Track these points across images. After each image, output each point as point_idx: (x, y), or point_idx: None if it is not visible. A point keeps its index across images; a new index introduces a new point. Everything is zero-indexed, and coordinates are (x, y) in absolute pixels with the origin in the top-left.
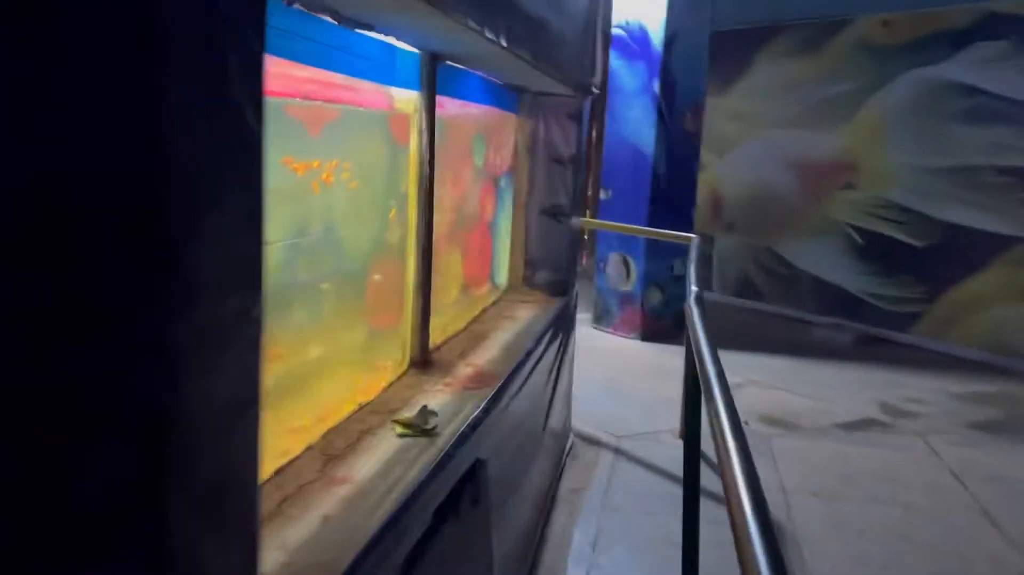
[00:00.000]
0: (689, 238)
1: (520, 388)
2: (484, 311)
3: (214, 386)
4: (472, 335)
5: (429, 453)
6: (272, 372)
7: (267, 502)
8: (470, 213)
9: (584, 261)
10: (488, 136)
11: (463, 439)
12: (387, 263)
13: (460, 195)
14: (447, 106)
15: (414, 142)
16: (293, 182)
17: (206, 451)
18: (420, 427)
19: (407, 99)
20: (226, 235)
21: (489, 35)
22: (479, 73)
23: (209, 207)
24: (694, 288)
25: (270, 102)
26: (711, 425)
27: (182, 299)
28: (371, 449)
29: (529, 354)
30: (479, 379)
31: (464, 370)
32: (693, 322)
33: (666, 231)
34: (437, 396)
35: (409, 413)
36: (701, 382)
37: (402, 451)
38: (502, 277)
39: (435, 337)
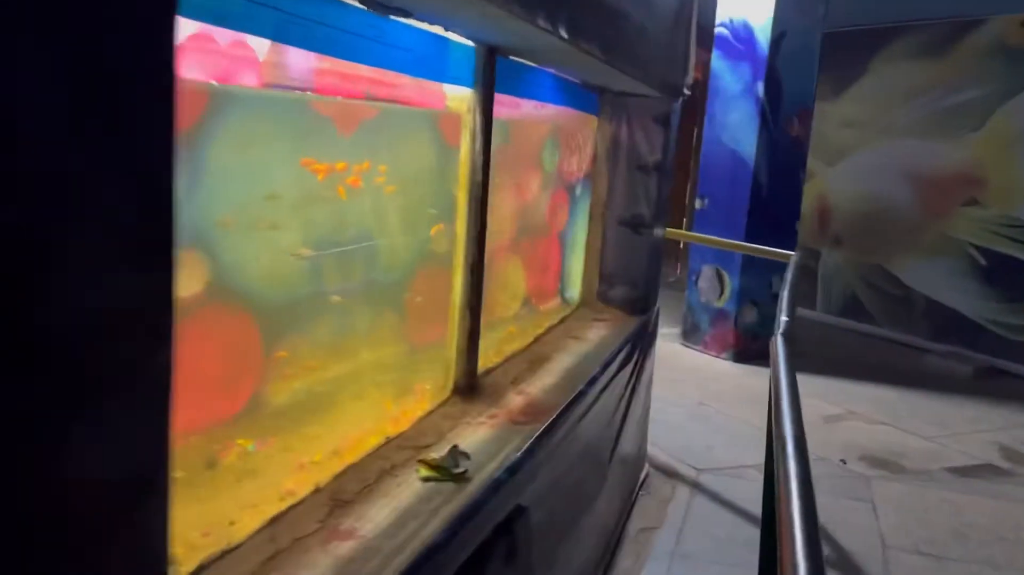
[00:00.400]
0: (787, 255)
1: (580, 419)
2: (549, 329)
3: (83, 471)
4: (532, 357)
5: (455, 503)
6: (285, 393)
7: (253, 559)
8: (536, 222)
9: (678, 272)
10: (561, 139)
11: (498, 486)
12: (430, 277)
13: (524, 202)
14: (512, 106)
15: (466, 144)
16: (311, 186)
17: (68, 562)
18: (448, 471)
19: (462, 97)
20: (106, 268)
21: (544, 25)
22: (550, 70)
23: (75, 233)
24: (784, 319)
25: (292, 97)
26: (777, 481)
27: (26, 353)
28: (388, 495)
29: (593, 381)
30: (529, 411)
31: (514, 400)
32: (777, 362)
33: (760, 247)
34: (478, 430)
35: (440, 452)
36: (775, 434)
37: (423, 499)
38: (574, 292)
39: (488, 359)
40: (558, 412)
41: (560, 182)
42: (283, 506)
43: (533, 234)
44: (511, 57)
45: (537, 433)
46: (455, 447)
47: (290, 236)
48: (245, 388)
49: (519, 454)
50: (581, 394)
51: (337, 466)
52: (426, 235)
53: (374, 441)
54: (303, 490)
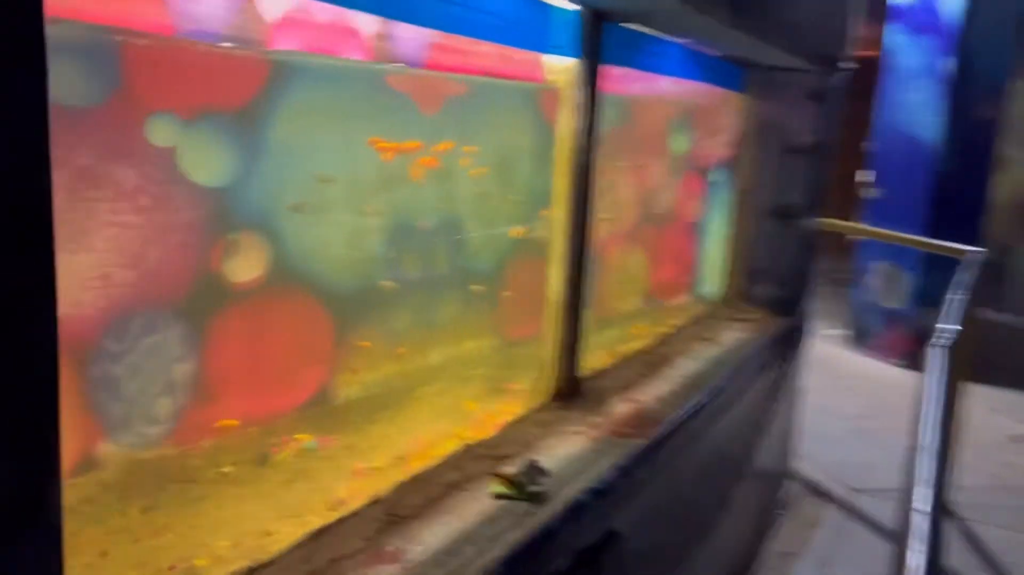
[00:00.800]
0: (962, 252)
1: (699, 432)
2: (677, 329)
3: None
4: (650, 360)
5: (524, 527)
6: (356, 386)
7: None
8: (663, 210)
9: (848, 267)
10: (696, 119)
11: (579, 509)
12: (526, 266)
13: (646, 188)
14: (630, 80)
15: (566, 123)
16: (379, 167)
17: None
18: (523, 488)
19: (564, 69)
20: None
21: None
22: (679, 40)
23: None
24: (949, 327)
25: (362, 69)
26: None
27: None
28: (451, 512)
29: (719, 391)
30: (635, 422)
31: (620, 408)
32: (932, 377)
33: (931, 240)
34: (571, 441)
35: (519, 466)
36: (908, 462)
37: (489, 520)
38: (711, 289)
39: (597, 359)
40: (668, 425)
41: (694, 166)
42: (330, 518)
43: (659, 223)
44: (625, 24)
45: (639, 448)
46: (533, 462)
47: (360, 218)
48: (312, 378)
49: (612, 472)
50: (701, 405)
51: (401, 474)
52: (519, 221)
53: (450, 447)
54: (357, 500)
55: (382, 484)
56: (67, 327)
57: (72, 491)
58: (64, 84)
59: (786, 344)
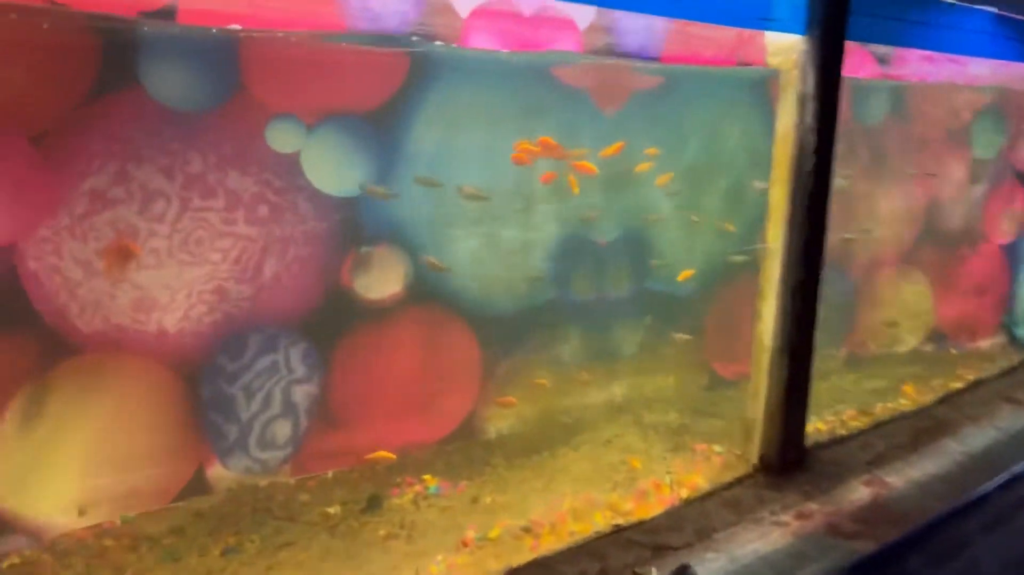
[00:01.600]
0: None
1: (983, 534)
2: (973, 384)
3: None
4: (923, 425)
5: None
6: (507, 420)
7: None
8: (958, 227)
9: None
10: (1012, 110)
11: None
12: (729, 295)
13: (930, 198)
14: (910, 62)
15: (788, 116)
16: (521, 173)
17: None
18: None
19: (790, 48)
20: None
21: None
22: (993, 9)
23: None
24: None
25: (526, 64)
26: None
27: None
28: None
29: (1018, 478)
30: (870, 516)
31: (855, 493)
32: None
33: None
34: (767, 535)
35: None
36: None
37: None
38: None
39: (836, 420)
40: (922, 524)
41: (1006, 170)
42: None
43: (950, 243)
44: None
45: (862, 558)
46: (685, 566)
47: (515, 231)
48: (456, 409)
49: None
50: (982, 498)
51: (519, 554)
52: (730, 237)
53: (597, 520)
54: None
55: (490, 565)
56: (177, 342)
57: (165, 518)
58: (178, 87)
59: None
